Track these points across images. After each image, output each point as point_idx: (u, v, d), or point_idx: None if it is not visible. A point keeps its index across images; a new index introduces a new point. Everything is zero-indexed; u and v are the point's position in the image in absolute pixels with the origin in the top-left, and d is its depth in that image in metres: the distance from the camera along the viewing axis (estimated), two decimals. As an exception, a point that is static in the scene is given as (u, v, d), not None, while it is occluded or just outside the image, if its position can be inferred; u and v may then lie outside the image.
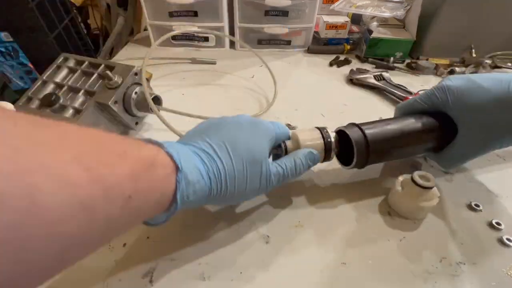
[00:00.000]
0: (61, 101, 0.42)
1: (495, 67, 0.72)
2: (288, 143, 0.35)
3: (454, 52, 0.76)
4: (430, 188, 0.33)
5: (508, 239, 0.34)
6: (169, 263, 0.32)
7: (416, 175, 0.34)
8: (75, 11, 1.56)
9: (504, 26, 0.72)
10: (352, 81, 0.67)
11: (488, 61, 0.71)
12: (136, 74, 0.45)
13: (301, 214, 0.37)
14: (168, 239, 0.34)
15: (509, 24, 0.72)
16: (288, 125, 0.53)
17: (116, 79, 0.42)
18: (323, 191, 0.40)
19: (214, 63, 0.74)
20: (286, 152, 0.35)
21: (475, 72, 0.71)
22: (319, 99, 0.61)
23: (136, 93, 0.44)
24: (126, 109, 0.44)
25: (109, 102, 0.41)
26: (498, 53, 0.76)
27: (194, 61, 0.73)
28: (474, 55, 0.74)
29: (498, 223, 0.36)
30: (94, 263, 0.31)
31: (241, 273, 0.31)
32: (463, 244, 0.34)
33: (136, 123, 0.48)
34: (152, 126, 0.52)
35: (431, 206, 0.34)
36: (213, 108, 0.57)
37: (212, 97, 0.62)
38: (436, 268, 0.31)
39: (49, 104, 0.41)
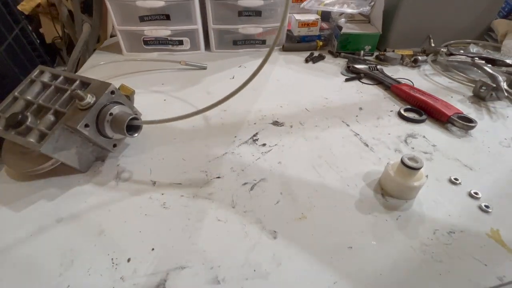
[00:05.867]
0: (28, 121, 0.37)
1: (450, 54, 0.79)
2: None
3: (416, 43, 0.82)
4: (419, 168, 0.36)
5: (486, 206, 0.38)
6: (180, 272, 0.31)
7: (405, 157, 0.36)
8: (24, 20, 1.44)
9: (455, 18, 0.80)
10: (349, 68, 0.73)
11: (444, 50, 0.78)
12: (113, 92, 0.39)
13: (303, 206, 0.38)
14: (174, 248, 0.33)
15: (459, 17, 0.80)
16: (276, 122, 0.54)
17: (88, 99, 0.37)
18: (319, 182, 0.42)
19: (205, 68, 0.72)
20: None
21: (435, 59, 0.78)
22: (301, 95, 0.63)
23: (111, 114, 0.39)
24: (100, 131, 0.39)
25: (78, 126, 0.36)
26: (452, 42, 0.84)
27: (183, 64, 0.71)
28: (432, 44, 0.81)
29: (476, 193, 0.40)
30: (99, 283, 0.30)
31: (254, 270, 0.31)
32: (450, 216, 0.37)
33: (115, 145, 0.43)
34: (130, 146, 0.48)
35: (421, 185, 0.37)
36: (199, 111, 0.56)
37: (195, 100, 0.61)
38: (431, 240, 0.34)
39: (15, 125, 0.37)
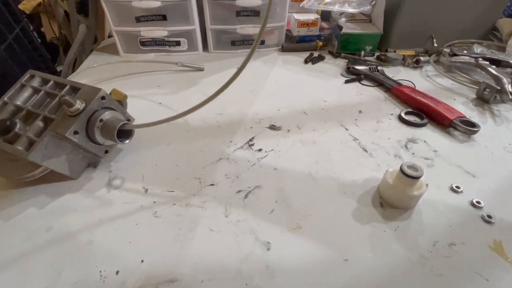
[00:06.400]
0: (17, 127, 0.36)
1: (453, 55, 0.77)
2: None
3: (418, 43, 0.80)
4: (419, 177, 0.34)
5: (489, 216, 0.36)
6: (169, 285, 0.30)
7: (404, 166, 0.35)
8: (25, 19, 1.44)
9: (459, 17, 0.78)
10: (349, 69, 0.71)
11: (447, 50, 0.76)
12: (103, 98, 0.39)
13: (298, 215, 0.37)
14: (165, 259, 0.32)
15: (463, 16, 0.78)
16: (273, 126, 0.53)
17: (77, 105, 0.36)
18: (315, 190, 0.41)
19: (202, 69, 0.71)
20: None
21: (437, 60, 0.76)
22: (299, 97, 0.62)
23: (101, 120, 0.38)
24: (90, 138, 0.38)
25: (67, 133, 0.35)
26: (455, 42, 0.82)
27: (180, 65, 0.70)
28: (435, 45, 0.79)
29: (478, 202, 0.38)
30: (86, 297, 0.29)
31: (246, 284, 0.30)
32: (451, 226, 0.36)
33: (106, 152, 0.42)
34: (123, 152, 0.47)
35: (421, 194, 0.35)
36: (195, 114, 0.55)
37: (192, 102, 0.59)
38: (431, 253, 0.33)
39: (3, 132, 0.36)
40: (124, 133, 0.40)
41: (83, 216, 0.37)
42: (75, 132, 0.36)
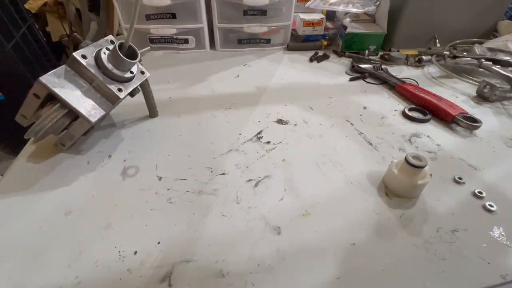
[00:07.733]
0: None
1: (454, 57, 0.78)
2: None
3: (421, 43, 0.82)
4: (423, 167, 0.36)
5: (490, 205, 0.38)
6: (185, 265, 0.32)
7: (409, 156, 0.37)
8: (32, 18, 1.46)
9: (461, 18, 0.80)
10: (354, 67, 0.73)
11: (449, 51, 0.78)
12: (112, 41, 0.43)
13: (307, 203, 0.39)
14: (180, 241, 0.34)
15: (464, 17, 0.80)
16: (280, 120, 0.55)
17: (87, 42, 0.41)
18: (323, 180, 0.42)
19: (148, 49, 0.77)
20: None
21: (440, 59, 0.78)
22: (305, 93, 0.64)
23: (108, 49, 0.41)
24: (101, 69, 0.40)
25: (74, 53, 0.38)
26: (457, 42, 0.84)
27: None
28: (438, 45, 0.81)
29: (480, 192, 0.40)
30: (106, 275, 0.30)
31: (258, 265, 0.32)
32: (454, 214, 0.37)
33: (120, 90, 0.42)
34: (137, 143, 0.50)
35: (425, 184, 0.37)
36: (204, 108, 0.57)
37: (201, 98, 0.61)
38: (434, 238, 0.34)
39: None
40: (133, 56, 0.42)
41: (100, 202, 0.38)
42: (83, 56, 0.39)
